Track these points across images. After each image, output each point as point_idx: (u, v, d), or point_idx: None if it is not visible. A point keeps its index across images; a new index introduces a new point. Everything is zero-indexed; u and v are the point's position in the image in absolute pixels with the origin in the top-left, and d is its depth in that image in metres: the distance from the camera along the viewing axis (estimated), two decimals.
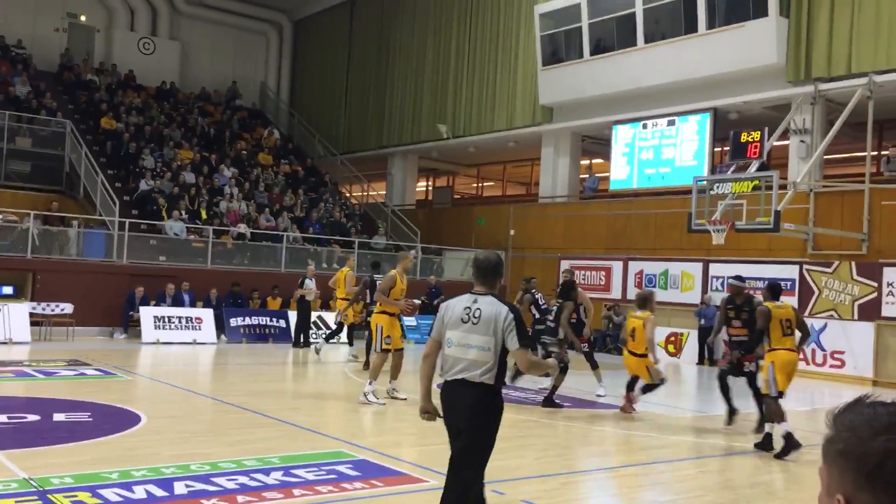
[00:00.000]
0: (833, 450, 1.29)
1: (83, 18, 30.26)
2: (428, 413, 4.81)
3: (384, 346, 10.68)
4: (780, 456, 8.39)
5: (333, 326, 17.61)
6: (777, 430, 8.59)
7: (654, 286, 19.98)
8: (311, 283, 17.92)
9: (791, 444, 8.38)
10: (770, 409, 8.66)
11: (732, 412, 9.85)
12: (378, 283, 10.94)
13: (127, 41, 30.41)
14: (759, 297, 10.20)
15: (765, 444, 8.67)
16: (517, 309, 4.65)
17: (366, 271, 22.38)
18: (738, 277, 10.68)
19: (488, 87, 25.51)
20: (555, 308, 11.98)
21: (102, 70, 28.87)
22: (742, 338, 9.80)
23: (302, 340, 17.93)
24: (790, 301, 17.09)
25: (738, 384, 9.86)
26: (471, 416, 4.53)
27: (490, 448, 4.61)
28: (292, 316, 18.83)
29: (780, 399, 8.56)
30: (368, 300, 14.42)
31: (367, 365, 14.47)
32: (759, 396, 9.28)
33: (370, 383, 10.49)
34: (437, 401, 4.81)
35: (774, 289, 9.15)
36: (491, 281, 4.72)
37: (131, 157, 23.53)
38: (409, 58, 28.62)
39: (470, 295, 4.68)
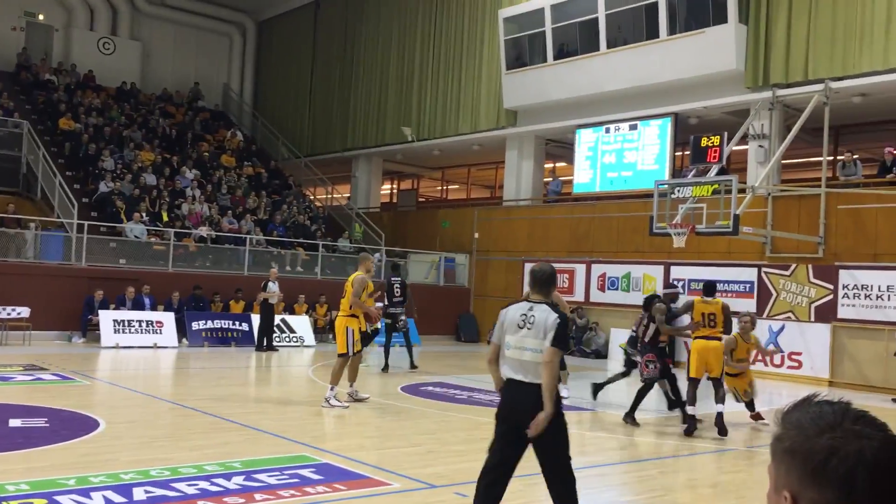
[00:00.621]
0: (780, 447, 1.31)
1: (41, 17, 29.72)
2: None
3: (355, 350, 10.61)
4: (686, 433, 9.65)
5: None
6: (688, 409, 9.81)
7: (617, 289, 20.19)
8: (274, 286, 17.81)
9: (692, 426, 9.63)
10: (687, 391, 9.94)
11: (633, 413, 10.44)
12: (354, 285, 10.77)
13: (86, 41, 29.93)
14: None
15: (689, 429, 9.62)
16: (566, 317, 5.04)
17: (329, 275, 22.37)
18: (672, 286, 11.47)
19: (453, 91, 25.57)
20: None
21: (61, 70, 28.38)
22: (664, 344, 10.63)
23: (265, 344, 17.80)
24: (750, 303, 17.41)
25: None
26: (534, 414, 4.83)
27: (567, 437, 5.01)
28: (255, 319, 18.69)
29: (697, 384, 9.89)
30: (386, 302, 15.04)
31: (386, 368, 14.93)
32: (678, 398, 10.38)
33: (331, 388, 10.47)
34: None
35: (708, 287, 10.17)
36: (546, 290, 5.14)
37: (90, 159, 23.17)
38: (374, 60, 28.57)
39: (526, 302, 5.08)
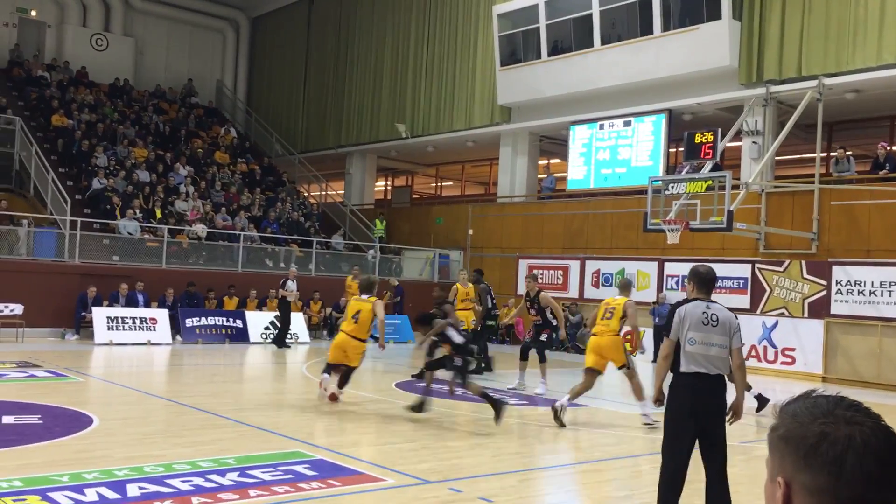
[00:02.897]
0: (775, 436, 1.34)
1: (34, 13, 29.61)
2: (660, 401, 5.71)
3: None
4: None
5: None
6: None
7: (611, 285, 20.20)
8: (292, 285, 17.86)
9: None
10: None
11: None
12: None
13: (79, 37, 29.84)
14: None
15: None
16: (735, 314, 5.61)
17: (323, 272, 22.35)
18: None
19: (447, 87, 25.55)
20: None
21: (54, 66, 28.30)
22: None
23: (286, 341, 17.80)
24: (744, 299, 17.47)
25: None
26: (718, 404, 5.39)
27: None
28: (250, 316, 18.68)
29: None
30: (490, 306, 15.33)
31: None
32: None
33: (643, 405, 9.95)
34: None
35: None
36: (711, 289, 5.64)
37: (83, 155, 23.09)
38: (368, 56, 28.53)
39: (700, 301, 5.50)
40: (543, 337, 12.65)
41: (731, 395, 5.62)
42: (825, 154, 19.16)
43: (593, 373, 9.96)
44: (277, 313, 19.43)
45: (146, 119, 27.34)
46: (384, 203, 31.64)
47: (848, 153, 18.21)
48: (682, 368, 5.43)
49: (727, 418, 5.53)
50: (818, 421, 1.28)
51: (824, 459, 1.25)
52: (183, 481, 6.19)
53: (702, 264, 5.79)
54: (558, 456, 8.57)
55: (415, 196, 33.06)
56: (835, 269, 16.40)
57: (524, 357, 12.91)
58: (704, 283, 5.59)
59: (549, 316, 12.65)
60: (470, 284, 16.67)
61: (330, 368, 10.42)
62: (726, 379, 5.50)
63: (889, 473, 1.25)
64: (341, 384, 10.45)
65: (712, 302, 5.53)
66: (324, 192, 29.86)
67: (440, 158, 29.97)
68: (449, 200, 31.10)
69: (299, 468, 6.81)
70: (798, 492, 1.28)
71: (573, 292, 21.02)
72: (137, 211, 20.73)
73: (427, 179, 34.20)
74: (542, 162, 25.89)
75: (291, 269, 18.81)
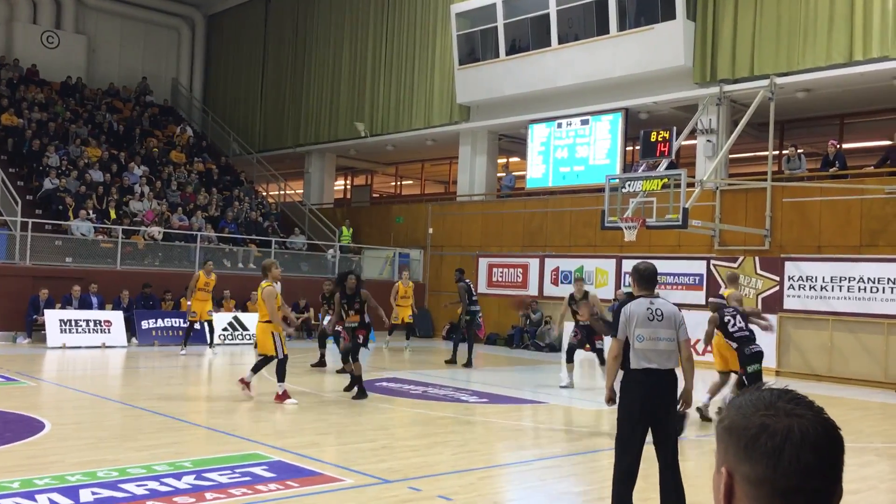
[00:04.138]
0: (721, 427, 1.37)
1: None
2: (612, 400, 5.82)
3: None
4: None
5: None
6: None
7: (570, 283, 20.36)
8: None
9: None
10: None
11: None
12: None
13: (29, 34, 29.19)
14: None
15: None
16: None
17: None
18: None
19: (406, 86, 25.50)
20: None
21: (3, 64, 27.64)
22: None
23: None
24: (700, 295, 17.72)
25: None
26: (669, 398, 5.54)
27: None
28: (217, 318, 18.43)
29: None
30: (468, 303, 15.81)
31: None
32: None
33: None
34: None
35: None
36: (653, 286, 5.74)
37: (34, 155, 22.61)
38: (326, 55, 28.37)
39: (643, 298, 5.60)
40: (599, 345, 13.19)
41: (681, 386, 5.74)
42: (777, 152, 19.52)
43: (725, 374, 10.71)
44: (236, 314, 19.33)
45: (99, 118, 26.85)
46: (344, 202, 31.50)
47: (799, 151, 18.57)
48: (633, 365, 5.55)
49: (678, 407, 5.69)
50: (760, 413, 1.31)
51: (763, 450, 1.28)
52: (138, 486, 6.10)
53: (642, 261, 5.88)
54: (517, 453, 8.62)
55: (375, 195, 32.95)
56: (787, 264, 16.73)
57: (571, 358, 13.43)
58: (645, 279, 5.68)
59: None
60: (410, 283, 18.57)
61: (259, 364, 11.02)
62: (676, 373, 5.62)
63: (826, 465, 1.28)
64: (254, 369, 11.02)
65: (655, 297, 5.64)
66: (282, 192, 29.63)
67: (400, 157, 29.91)
68: (409, 199, 31.05)
69: (257, 470, 6.75)
70: (740, 482, 1.31)
71: (533, 290, 21.14)
72: (91, 211, 20.35)
73: (387, 178, 34.11)
74: (502, 160, 25.98)
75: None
